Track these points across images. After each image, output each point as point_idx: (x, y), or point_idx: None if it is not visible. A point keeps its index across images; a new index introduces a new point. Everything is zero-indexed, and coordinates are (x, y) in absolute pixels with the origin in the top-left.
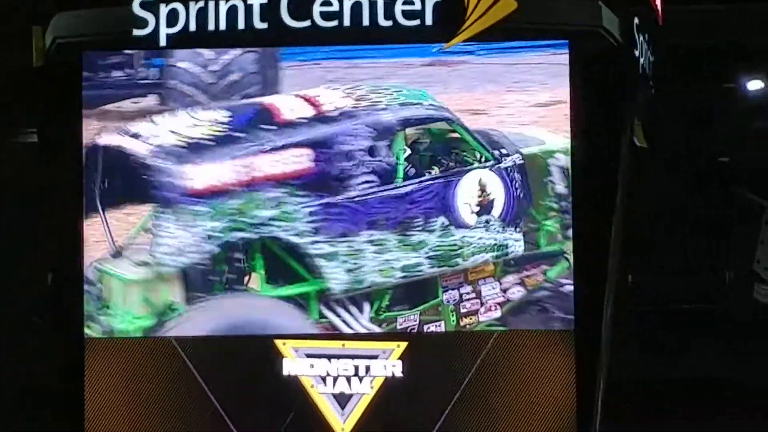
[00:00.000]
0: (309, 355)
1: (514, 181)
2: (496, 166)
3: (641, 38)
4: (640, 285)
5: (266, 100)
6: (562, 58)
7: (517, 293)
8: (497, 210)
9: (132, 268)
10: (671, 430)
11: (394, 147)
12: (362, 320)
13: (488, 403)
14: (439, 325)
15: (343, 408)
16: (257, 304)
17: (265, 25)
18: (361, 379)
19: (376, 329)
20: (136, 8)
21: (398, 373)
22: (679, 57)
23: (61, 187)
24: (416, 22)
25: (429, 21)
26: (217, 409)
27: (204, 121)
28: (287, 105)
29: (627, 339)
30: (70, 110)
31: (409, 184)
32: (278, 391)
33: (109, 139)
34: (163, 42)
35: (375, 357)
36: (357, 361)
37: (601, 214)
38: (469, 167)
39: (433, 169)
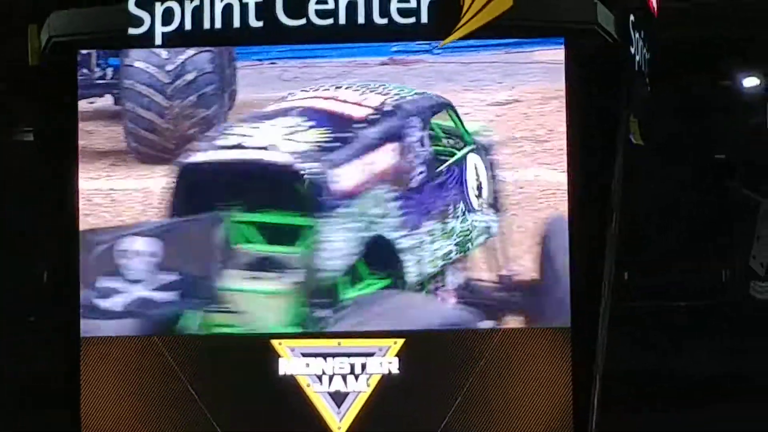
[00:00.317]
0: (305, 354)
1: (486, 163)
2: (477, 149)
3: (637, 35)
4: (635, 282)
5: (304, 104)
6: (519, 56)
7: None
8: (485, 192)
9: (260, 282)
10: (665, 425)
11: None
12: None
13: (485, 399)
14: None
15: (339, 406)
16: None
17: (260, 24)
18: (357, 377)
19: None
20: (132, 7)
21: (395, 370)
22: (674, 52)
23: (58, 186)
24: (412, 19)
25: (424, 19)
26: (207, 408)
27: (293, 125)
28: (331, 106)
29: (623, 335)
30: (67, 108)
31: (443, 172)
32: (274, 391)
33: (211, 155)
34: (158, 40)
35: (371, 354)
36: (353, 359)
37: (597, 212)
38: (465, 151)
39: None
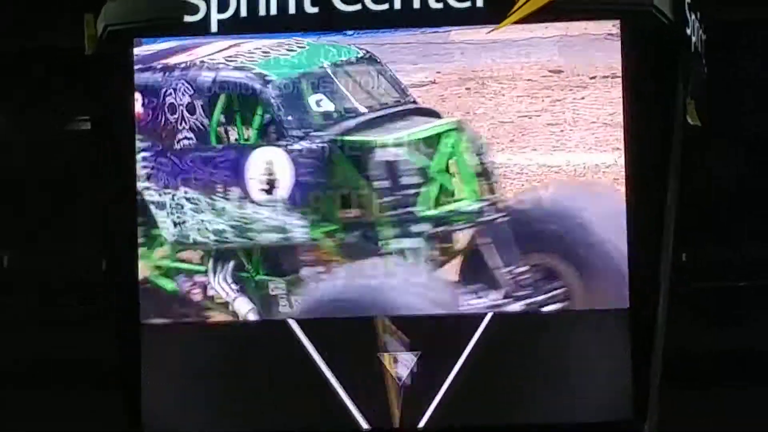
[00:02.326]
0: None
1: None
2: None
3: (693, 16)
4: (695, 262)
5: None
6: (432, 36)
7: None
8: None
9: None
10: (727, 405)
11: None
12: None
13: (545, 380)
14: None
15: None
16: None
17: (315, 10)
18: None
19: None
20: None
21: None
22: (732, 32)
23: (116, 174)
24: (467, 3)
25: (480, 3)
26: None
27: None
28: None
29: (682, 315)
30: (123, 97)
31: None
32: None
33: None
34: (214, 28)
35: None
36: None
37: (655, 194)
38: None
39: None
